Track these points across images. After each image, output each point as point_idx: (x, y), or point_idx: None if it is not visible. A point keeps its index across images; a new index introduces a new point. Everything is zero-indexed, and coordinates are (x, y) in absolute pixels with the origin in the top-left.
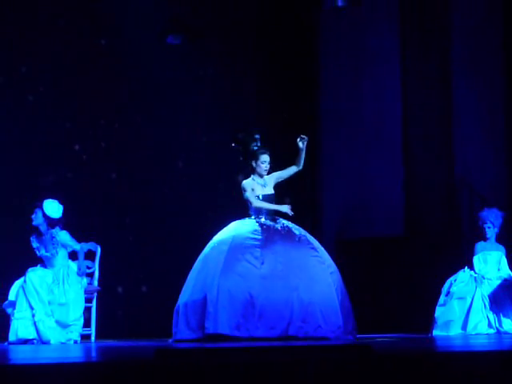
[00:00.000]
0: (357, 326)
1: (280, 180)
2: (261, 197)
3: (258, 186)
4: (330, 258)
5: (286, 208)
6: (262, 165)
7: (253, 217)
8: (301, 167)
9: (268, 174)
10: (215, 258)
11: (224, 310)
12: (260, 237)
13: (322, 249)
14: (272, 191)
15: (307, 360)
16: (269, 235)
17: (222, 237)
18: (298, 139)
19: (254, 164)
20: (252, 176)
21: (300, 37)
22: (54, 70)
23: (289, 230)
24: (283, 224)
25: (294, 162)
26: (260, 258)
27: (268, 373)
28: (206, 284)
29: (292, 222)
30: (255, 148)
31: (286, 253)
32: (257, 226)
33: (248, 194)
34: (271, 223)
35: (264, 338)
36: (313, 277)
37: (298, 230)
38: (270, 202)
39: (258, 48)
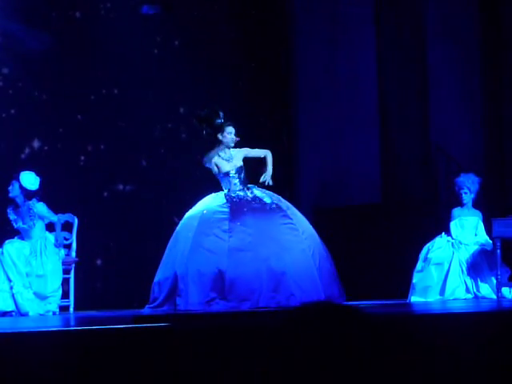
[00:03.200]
0: (344, 290)
1: (248, 157)
2: (230, 174)
3: (223, 162)
4: (306, 222)
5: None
6: (229, 135)
7: (225, 190)
8: (269, 157)
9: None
10: (185, 234)
11: (194, 286)
12: (228, 209)
13: (299, 214)
14: (239, 163)
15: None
16: (237, 207)
17: (192, 212)
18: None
19: (220, 137)
20: (217, 151)
21: (274, 7)
22: (28, 43)
23: (260, 199)
24: (254, 194)
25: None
26: (228, 231)
27: (233, 338)
28: (176, 261)
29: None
30: (220, 121)
31: (255, 224)
32: (225, 199)
33: (207, 160)
34: (241, 194)
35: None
36: (284, 245)
37: (270, 197)
38: (238, 174)
39: (232, 18)
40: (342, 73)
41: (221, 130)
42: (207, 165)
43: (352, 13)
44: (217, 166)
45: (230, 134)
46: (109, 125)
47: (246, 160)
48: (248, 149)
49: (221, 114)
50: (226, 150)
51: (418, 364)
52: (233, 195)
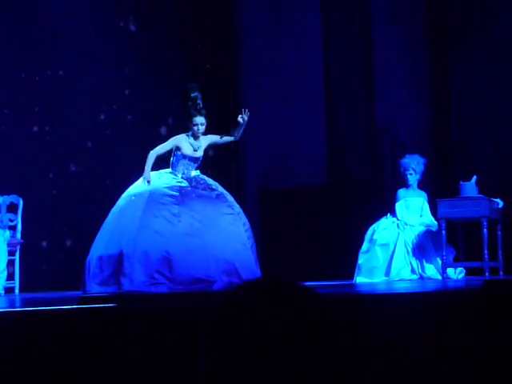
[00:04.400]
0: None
1: (213, 145)
2: (190, 159)
3: (189, 147)
4: (244, 214)
5: (142, 179)
6: (194, 127)
7: (169, 170)
8: (238, 138)
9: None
10: (131, 212)
11: (140, 266)
12: (177, 193)
13: (238, 206)
14: (201, 154)
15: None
16: (186, 192)
17: (138, 190)
18: (240, 115)
19: (188, 124)
20: (189, 134)
21: None
22: None
23: (206, 186)
24: (200, 180)
25: (229, 131)
26: (177, 215)
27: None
28: (123, 239)
29: (213, 173)
30: (190, 109)
31: (202, 210)
32: (174, 182)
33: (161, 145)
34: (189, 178)
35: None
36: (229, 235)
37: (215, 185)
38: (193, 163)
39: (179, 2)
40: (287, 50)
41: (189, 118)
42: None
43: None
44: (179, 147)
45: (195, 125)
46: (54, 106)
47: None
48: (215, 136)
49: (193, 95)
50: (196, 137)
51: (364, 344)
52: (179, 176)
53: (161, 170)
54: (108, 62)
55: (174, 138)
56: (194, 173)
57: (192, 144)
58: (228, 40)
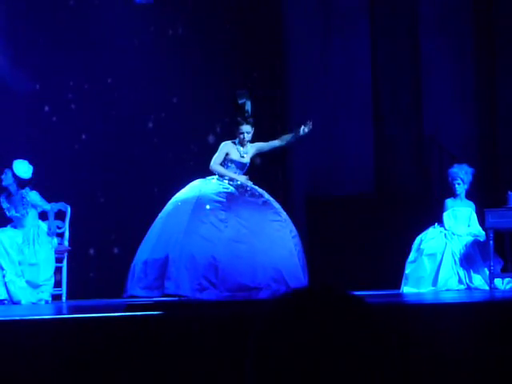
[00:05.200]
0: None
1: (260, 152)
2: (238, 165)
3: (236, 152)
4: (291, 221)
5: (243, 178)
6: (241, 135)
7: (216, 177)
8: (284, 144)
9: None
10: (179, 217)
11: (186, 271)
12: (224, 199)
13: (284, 213)
14: (248, 160)
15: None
16: (233, 198)
17: (185, 196)
18: (303, 126)
19: (236, 131)
20: (236, 140)
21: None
22: (22, 32)
23: (253, 193)
24: (247, 187)
25: (277, 136)
26: (224, 221)
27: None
28: (169, 244)
29: (261, 180)
30: (238, 118)
31: (249, 216)
32: (221, 188)
33: (216, 155)
34: (236, 185)
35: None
36: (275, 241)
37: (262, 192)
38: (241, 169)
39: (225, 8)
40: (335, 63)
41: (237, 125)
42: (213, 170)
43: (346, 2)
44: (227, 152)
45: (241, 133)
46: (102, 114)
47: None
48: (261, 143)
49: (240, 102)
50: (243, 145)
51: (411, 354)
52: (226, 183)
53: (208, 177)
54: (156, 70)
55: (223, 143)
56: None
57: (239, 150)
58: (276, 50)
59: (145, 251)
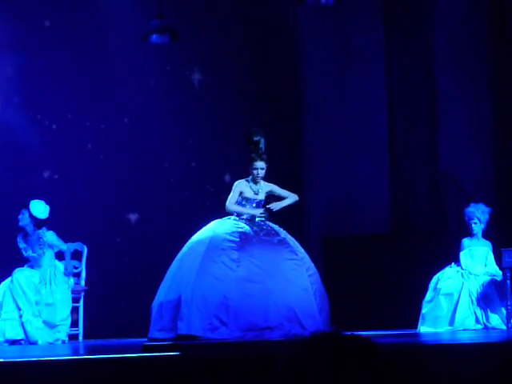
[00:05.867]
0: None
1: (273, 194)
2: (252, 204)
3: (250, 190)
4: (309, 259)
5: (259, 212)
6: (254, 171)
7: (233, 217)
8: (298, 199)
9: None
10: (192, 258)
11: (198, 311)
12: (237, 239)
13: (302, 250)
14: (262, 198)
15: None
16: (247, 237)
17: (199, 237)
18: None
19: (249, 168)
20: (249, 178)
21: (284, 34)
22: (38, 72)
23: (268, 231)
24: (263, 225)
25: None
26: (236, 261)
27: (242, 368)
28: (182, 285)
29: (277, 219)
30: (251, 154)
31: (263, 255)
32: (235, 228)
33: (230, 195)
34: (250, 224)
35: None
36: (290, 281)
37: (278, 231)
38: (255, 207)
39: (242, 47)
40: (351, 100)
41: (250, 162)
42: (229, 210)
43: (362, 40)
44: (241, 191)
45: (255, 169)
46: (118, 154)
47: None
48: (278, 187)
49: (255, 139)
50: (256, 182)
51: None
52: (241, 224)
53: (225, 218)
54: (172, 111)
55: (237, 182)
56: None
57: (252, 188)
58: (292, 89)
59: (161, 293)
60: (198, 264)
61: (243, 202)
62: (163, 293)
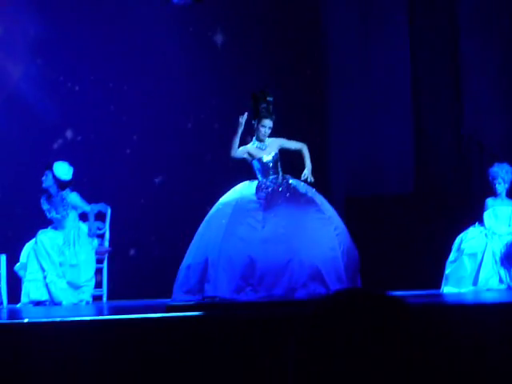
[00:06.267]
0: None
1: (283, 148)
2: (264, 160)
3: (258, 150)
4: (338, 218)
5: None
6: (262, 128)
7: (259, 178)
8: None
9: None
10: (218, 220)
11: (224, 273)
12: (264, 200)
13: (332, 209)
14: (275, 152)
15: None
16: (272, 198)
17: (227, 199)
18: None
19: (255, 126)
20: (254, 139)
21: None
22: (61, 34)
23: (295, 191)
24: (289, 185)
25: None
26: (262, 222)
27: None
28: (209, 247)
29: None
30: (262, 110)
31: (288, 215)
32: (261, 189)
33: (239, 151)
34: (276, 184)
35: None
36: (316, 240)
37: (305, 189)
38: (269, 164)
39: (265, 9)
40: (375, 61)
41: (258, 118)
42: (235, 155)
43: (385, 4)
44: (250, 154)
45: (263, 126)
46: (141, 116)
47: (280, 152)
48: (284, 139)
49: (269, 99)
50: (260, 140)
51: (451, 354)
52: (268, 183)
53: (253, 180)
54: (195, 72)
55: (241, 147)
56: (276, 175)
57: (257, 145)
58: (315, 49)
59: (189, 256)
60: (224, 226)
61: (257, 165)
62: (191, 255)
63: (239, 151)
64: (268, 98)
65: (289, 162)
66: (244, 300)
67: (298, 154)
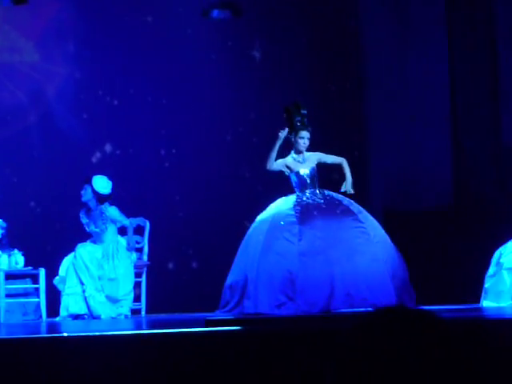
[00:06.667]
0: (415, 297)
1: (321, 162)
2: (302, 173)
3: (295, 163)
4: (379, 227)
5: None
6: (300, 140)
7: (296, 192)
8: (345, 163)
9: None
10: (256, 237)
11: (264, 289)
12: (299, 213)
13: (370, 218)
14: (310, 166)
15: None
16: (308, 210)
17: (263, 216)
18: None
19: (293, 139)
20: (292, 152)
21: (344, 7)
22: (102, 48)
23: (330, 202)
24: (326, 196)
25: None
26: (298, 235)
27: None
28: (247, 264)
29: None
30: (298, 123)
31: (325, 227)
32: (296, 202)
33: (276, 163)
34: (312, 197)
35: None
36: (355, 249)
37: (341, 200)
38: (306, 177)
39: (303, 23)
40: (412, 72)
41: (295, 131)
42: (272, 168)
43: (423, 12)
44: (288, 166)
45: (301, 138)
46: (180, 129)
47: (318, 166)
48: (322, 154)
49: (303, 112)
50: (299, 153)
51: (490, 368)
52: (304, 198)
53: (290, 195)
54: (233, 86)
55: (279, 159)
56: (313, 189)
57: (295, 158)
58: (354, 62)
59: (231, 275)
60: (261, 242)
61: (295, 178)
62: (232, 274)
63: (276, 164)
64: (302, 111)
65: (326, 176)
66: (284, 314)
67: (335, 168)
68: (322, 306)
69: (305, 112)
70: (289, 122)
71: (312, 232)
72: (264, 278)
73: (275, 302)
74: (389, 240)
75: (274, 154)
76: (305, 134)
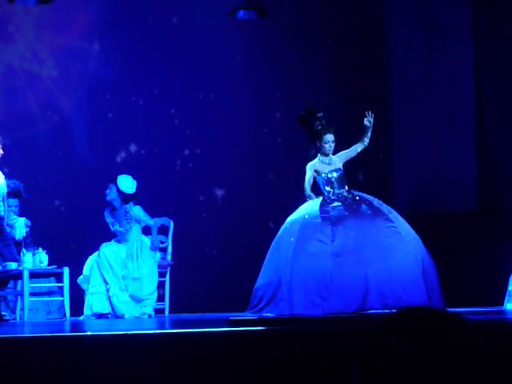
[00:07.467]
0: (443, 298)
1: (348, 159)
2: (329, 175)
3: (323, 165)
4: (409, 226)
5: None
6: (326, 145)
7: (325, 194)
8: (366, 144)
9: (334, 153)
10: (287, 239)
11: (298, 290)
12: (330, 214)
13: (400, 218)
14: (337, 167)
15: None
16: (339, 211)
17: (293, 217)
18: (366, 118)
19: (318, 144)
20: (318, 155)
21: (370, 12)
22: (128, 49)
23: (361, 202)
24: (355, 197)
25: (358, 140)
26: (330, 235)
27: (333, 342)
28: (280, 266)
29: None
30: (319, 127)
31: (357, 227)
32: (327, 203)
33: (306, 177)
34: (342, 198)
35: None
36: (388, 248)
37: (371, 200)
38: (335, 180)
39: (327, 24)
40: (438, 76)
41: (319, 137)
42: (309, 187)
43: (449, 16)
44: (316, 170)
45: (327, 143)
46: (204, 129)
47: (344, 166)
48: (344, 151)
49: (320, 115)
50: (326, 155)
51: None
52: (333, 198)
53: (320, 196)
54: (259, 87)
55: (309, 165)
56: (342, 190)
57: (323, 161)
58: (379, 65)
59: (261, 277)
60: (293, 243)
61: (324, 180)
62: (263, 276)
63: (309, 176)
64: (318, 114)
65: (352, 177)
66: (318, 315)
67: (360, 168)
68: (356, 306)
69: (321, 114)
70: (307, 129)
71: (344, 232)
72: (298, 280)
73: (310, 304)
74: (419, 239)
75: (312, 163)
76: (329, 137)
